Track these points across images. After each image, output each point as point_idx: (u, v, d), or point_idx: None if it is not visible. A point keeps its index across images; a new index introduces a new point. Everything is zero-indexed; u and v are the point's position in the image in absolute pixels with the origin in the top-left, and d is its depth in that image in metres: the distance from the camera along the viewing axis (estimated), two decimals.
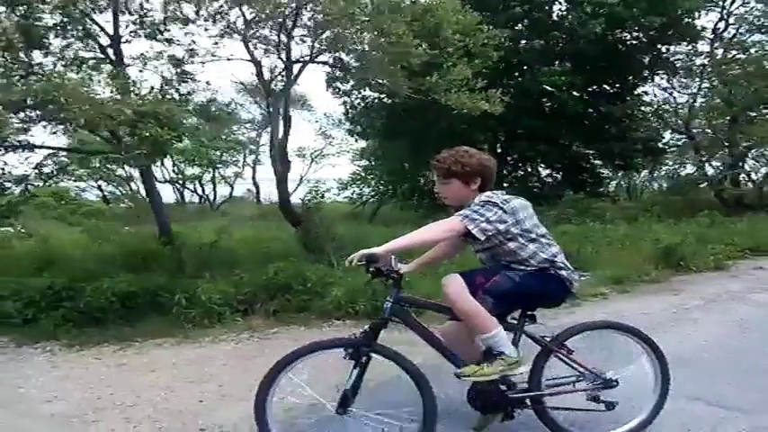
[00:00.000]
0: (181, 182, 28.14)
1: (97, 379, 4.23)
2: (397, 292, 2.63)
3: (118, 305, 5.53)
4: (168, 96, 5.61)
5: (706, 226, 9.91)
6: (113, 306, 5.51)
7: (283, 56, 6.88)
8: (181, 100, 5.33)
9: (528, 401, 2.68)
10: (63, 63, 5.26)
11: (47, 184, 8.14)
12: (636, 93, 16.53)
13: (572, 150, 17.04)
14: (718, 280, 7.10)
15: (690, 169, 18.76)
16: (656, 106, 17.13)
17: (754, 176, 17.46)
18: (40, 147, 5.94)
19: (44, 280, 5.77)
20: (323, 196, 8.41)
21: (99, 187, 23.29)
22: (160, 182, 27.76)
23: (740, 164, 16.27)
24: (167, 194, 26.71)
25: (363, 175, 22.92)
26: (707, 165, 16.75)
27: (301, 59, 6.90)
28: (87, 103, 4.23)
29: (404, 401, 2.66)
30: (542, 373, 2.69)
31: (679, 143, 17.85)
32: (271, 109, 7.62)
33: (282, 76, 7.52)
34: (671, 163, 19.33)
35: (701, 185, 18.45)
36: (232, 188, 27.91)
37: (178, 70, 6.13)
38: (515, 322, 2.75)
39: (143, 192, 25.14)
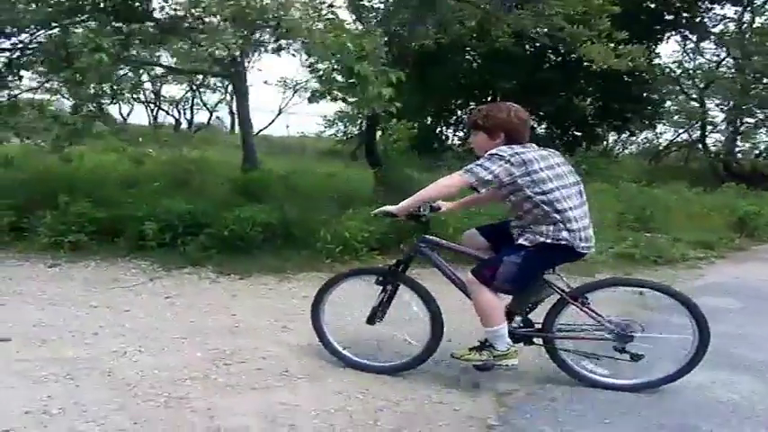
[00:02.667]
0: (156, 103, 26.68)
1: (298, 310, 4.18)
2: (423, 234, 2.97)
3: (259, 236, 5.40)
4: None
5: (737, 197, 10.48)
6: (255, 236, 5.38)
7: None
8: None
9: (539, 341, 2.93)
10: None
11: (113, 102, 7.57)
12: (655, 53, 16.84)
13: (575, 105, 17.27)
14: None
15: (685, 137, 19.60)
16: (678, 69, 17.51)
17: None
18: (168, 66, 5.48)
19: (180, 204, 5.51)
20: (398, 140, 8.24)
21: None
22: (137, 101, 26.30)
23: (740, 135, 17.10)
24: (141, 116, 25.39)
25: (351, 112, 22.60)
26: (711, 134, 17.52)
27: None
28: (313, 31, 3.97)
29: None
30: (556, 318, 2.87)
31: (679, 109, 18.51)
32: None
33: None
34: (666, 128, 20.05)
35: (671, 153, 19.35)
36: (211, 114, 26.74)
37: None
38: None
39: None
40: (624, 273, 5.72)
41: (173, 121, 27.12)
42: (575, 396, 2.90)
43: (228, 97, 24.81)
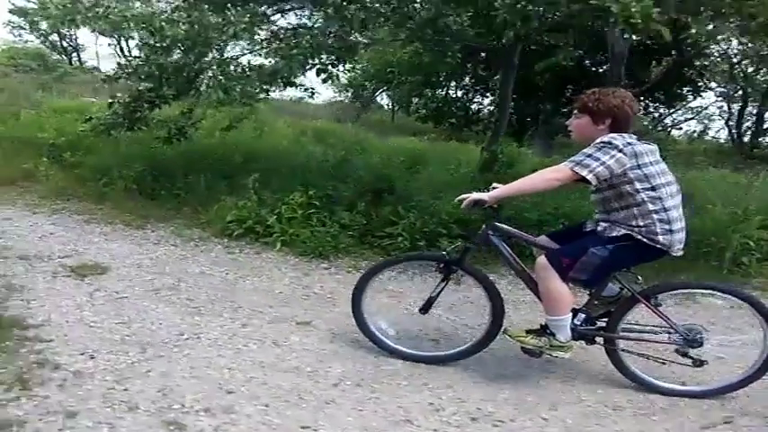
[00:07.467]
0: None
1: None
2: (493, 222, 2.77)
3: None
4: None
5: None
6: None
7: None
8: None
9: (600, 340, 2.75)
10: None
11: None
12: None
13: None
14: None
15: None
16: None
17: None
18: None
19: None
20: None
21: None
22: None
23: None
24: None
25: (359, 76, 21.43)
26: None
27: None
28: None
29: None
30: (622, 317, 2.71)
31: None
32: None
33: None
34: None
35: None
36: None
37: None
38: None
39: None
40: None
41: None
42: None
43: None
